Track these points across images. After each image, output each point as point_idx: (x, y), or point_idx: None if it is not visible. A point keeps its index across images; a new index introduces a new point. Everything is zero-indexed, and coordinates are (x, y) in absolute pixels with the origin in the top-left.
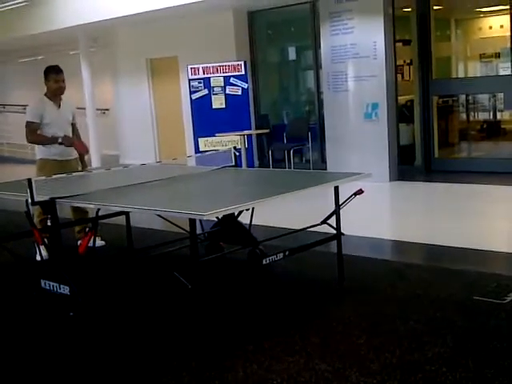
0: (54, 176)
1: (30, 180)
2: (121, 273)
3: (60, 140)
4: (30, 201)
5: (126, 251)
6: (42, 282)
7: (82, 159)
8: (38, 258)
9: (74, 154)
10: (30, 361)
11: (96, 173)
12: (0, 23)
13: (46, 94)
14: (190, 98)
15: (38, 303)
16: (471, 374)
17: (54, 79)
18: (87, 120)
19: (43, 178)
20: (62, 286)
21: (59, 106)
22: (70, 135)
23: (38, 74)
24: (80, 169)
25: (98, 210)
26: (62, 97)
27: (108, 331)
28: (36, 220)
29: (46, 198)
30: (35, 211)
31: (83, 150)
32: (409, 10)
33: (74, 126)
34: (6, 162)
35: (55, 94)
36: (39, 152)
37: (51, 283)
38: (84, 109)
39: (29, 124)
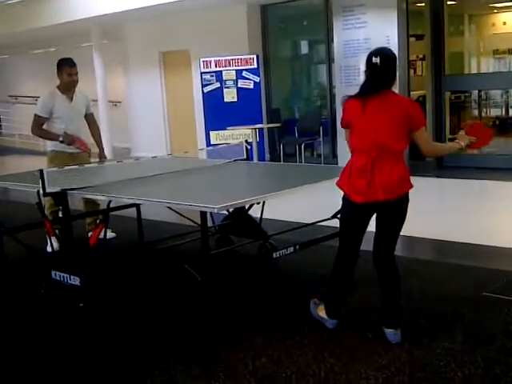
0: (66, 167)
1: (41, 171)
2: (131, 265)
3: (61, 138)
4: (41, 192)
5: (137, 243)
6: (53, 272)
7: (99, 145)
8: (49, 249)
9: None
10: (40, 351)
11: (107, 165)
12: (13, 15)
13: (58, 87)
14: (202, 91)
15: (48, 294)
16: (480, 371)
17: (68, 72)
18: (99, 112)
19: (55, 169)
20: (72, 276)
21: (71, 99)
22: (81, 129)
23: (50, 66)
24: (98, 158)
25: (110, 202)
26: (76, 89)
27: (118, 322)
28: (47, 212)
29: (57, 189)
30: (46, 203)
31: (83, 149)
32: (422, 4)
33: (89, 116)
34: (18, 154)
35: (68, 88)
36: (50, 144)
37: (62, 274)
38: (96, 101)
39: (36, 117)
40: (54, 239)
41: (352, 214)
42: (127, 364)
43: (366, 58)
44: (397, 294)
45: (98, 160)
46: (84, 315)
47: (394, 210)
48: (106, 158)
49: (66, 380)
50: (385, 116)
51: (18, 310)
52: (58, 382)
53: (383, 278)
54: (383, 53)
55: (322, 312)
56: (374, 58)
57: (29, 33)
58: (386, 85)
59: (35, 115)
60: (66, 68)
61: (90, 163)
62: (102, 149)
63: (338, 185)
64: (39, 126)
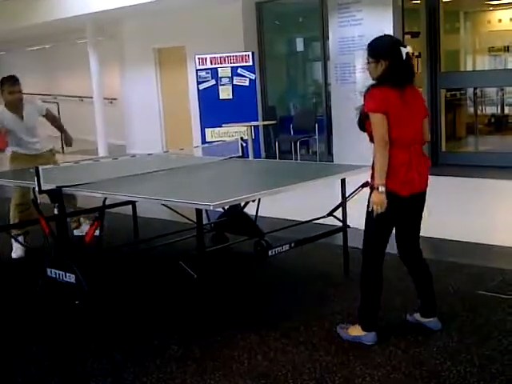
0: (62, 164)
1: (37, 168)
2: (127, 262)
3: None
4: (36, 189)
5: (132, 241)
6: (48, 270)
7: (66, 135)
8: (14, 255)
9: (46, 147)
10: (36, 349)
11: (103, 162)
12: (8, 12)
13: (6, 106)
14: (198, 89)
15: (44, 291)
16: (476, 369)
17: (9, 90)
18: (95, 109)
19: (50, 166)
20: (67, 274)
21: (22, 117)
22: (37, 133)
23: (45, 63)
24: (56, 159)
25: (105, 199)
26: (25, 101)
27: (113, 320)
28: (14, 214)
29: (52, 186)
30: (12, 205)
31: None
32: (418, 2)
33: (48, 115)
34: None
35: (14, 105)
36: (11, 145)
37: (57, 271)
38: (91, 98)
39: None
40: (18, 246)
41: (398, 209)
42: (123, 361)
43: (360, 55)
44: (431, 282)
45: (65, 145)
46: (80, 312)
47: (423, 200)
48: (71, 139)
49: (61, 377)
50: (417, 107)
51: (14, 308)
52: (54, 378)
53: (416, 270)
54: (406, 45)
55: (355, 331)
56: (403, 49)
57: (24, 30)
58: (413, 75)
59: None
60: (7, 87)
61: (56, 163)
62: (66, 133)
63: (390, 188)
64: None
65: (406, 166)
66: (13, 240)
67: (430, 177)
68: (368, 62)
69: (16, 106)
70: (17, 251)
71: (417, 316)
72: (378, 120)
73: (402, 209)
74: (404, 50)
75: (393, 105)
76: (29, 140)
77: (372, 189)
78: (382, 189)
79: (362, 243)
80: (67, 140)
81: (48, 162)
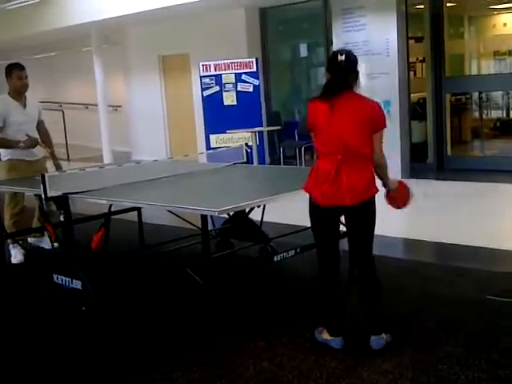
0: (68, 171)
1: (43, 176)
2: (133, 268)
3: (21, 144)
4: (43, 196)
5: (138, 247)
6: (55, 276)
7: (53, 154)
8: (14, 260)
9: (40, 153)
10: (42, 355)
11: (108, 169)
12: (14, 20)
13: (9, 93)
14: (202, 95)
15: (50, 298)
16: (484, 375)
17: (18, 75)
18: (100, 116)
19: (55, 173)
20: (74, 280)
21: (25, 105)
22: (37, 135)
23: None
24: (48, 167)
25: (111, 205)
26: (27, 95)
27: (119, 326)
28: (8, 223)
29: (59, 193)
30: (6, 213)
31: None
32: (422, 6)
33: (40, 124)
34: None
35: (19, 92)
36: (5, 152)
37: (64, 278)
38: (96, 105)
39: None
40: (18, 250)
41: (320, 218)
42: (129, 368)
43: (364, 60)
44: (376, 299)
45: (55, 170)
46: (86, 319)
47: (362, 214)
48: (61, 167)
49: (68, 382)
50: (350, 118)
51: (20, 314)
52: None
53: (360, 285)
54: (348, 52)
55: (325, 334)
56: (339, 57)
57: (29, 38)
58: (350, 85)
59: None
60: (16, 71)
61: (47, 170)
62: (55, 157)
63: (306, 190)
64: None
65: (325, 175)
66: (11, 246)
67: (434, 181)
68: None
69: (20, 94)
70: (17, 256)
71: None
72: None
73: (326, 220)
74: (339, 58)
75: (318, 117)
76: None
77: None
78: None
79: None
80: (56, 162)
81: (43, 170)
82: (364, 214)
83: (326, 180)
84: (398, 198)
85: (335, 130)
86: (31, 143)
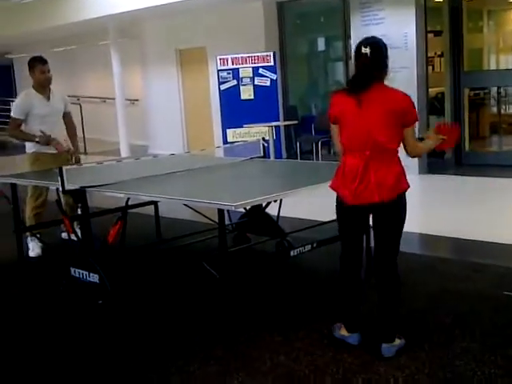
0: (84, 165)
1: (61, 169)
2: (149, 262)
3: (37, 139)
4: (60, 189)
5: (155, 241)
6: (72, 269)
7: (75, 147)
8: (31, 253)
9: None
10: (59, 348)
11: (125, 162)
12: (31, 14)
13: (33, 87)
14: (219, 89)
15: (68, 291)
16: (501, 371)
17: (41, 69)
18: (117, 110)
19: (73, 166)
20: (91, 274)
21: (48, 98)
22: (59, 128)
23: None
24: (72, 159)
25: (128, 199)
26: (52, 88)
27: (136, 319)
28: (30, 215)
29: (76, 186)
30: (28, 205)
31: (59, 149)
32: (441, 0)
33: (67, 115)
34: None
35: (43, 85)
36: (30, 145)
37: (81, 271)
38: (113, 99)
39: (12, 119)
40: (35, 243)
41: (347, 217)
42: (145, 361)
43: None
44: (393, 304)
45: (72, 161)
46: (102, 312)
47: (391, 212)
48: (79, 160)
49: (84, 377)
50: (378, 112)
51: (37, 308)
52: (77, 378)
53: (381, 287)
54: (374, 42)
55: (343, 331)
56: (363, 49)
57: (48, 31)
58: (377, 78)
59: (11, 117)
60: (39, 65)
61: (71, 163)
62: (76, 149)
63: (332, 187)
64: (15, 127)
65: (353, 172)
66: (29, 239)
67: (452, 177)
68: None
69: (44, 87)
70: (34, 250)
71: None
72: (332, 129)
73: (353, 218)
74: (364, 50)
75: (344, 111)
76: (50, 131)
77: None
78: None
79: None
80: (76, 153)
81: (67, 163)
82: (393, 211)
83: (354, 178)
84: (448, 139)
85: (363, 125)
86: (45, 140)
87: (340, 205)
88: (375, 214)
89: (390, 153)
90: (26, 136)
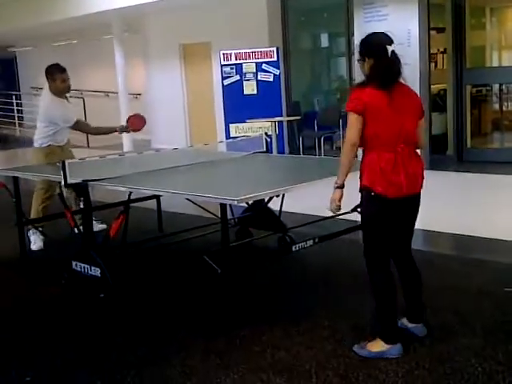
0: (87, 159)
1: (63, 163)
2: (151, 256)
3: (117, 129)
4: (63, 183)
5: (157, 235)
6: (74, 263)
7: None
8: (33, 247)
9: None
10: (61, 342)
11: (128, 156)
12: (35, 7)
13: (51, 92)
14: (222, 84)
15: (69, 284)
16: (501, 367)
17: (62, 78)
18: (120, 104)
19: (77, 160)
20: (93, 267)
21: (67, 100)
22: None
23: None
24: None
25: (130, 193)
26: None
27: (137, 313)
28: (38, 208)
29: (78, 180)
30: (36, 197)
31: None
32: None
33: (80, 122)
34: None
35: (63, 93)
36: (45, 139)
37: (82, 265)
38: (116, 93)
39: (74, 123)
40: (37, 236)
41: (390, 212)
42: (146, 354)
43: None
44: (420, 287)
45: (125, 131)
46: (104, 306)
47: (418, 202)
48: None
49: (86, 370)
50: (408, 106)
51: (39, 301)
52: (79, 371)
53: (406, 274)
54: (392, 40)
55: (376, 347)
56: (388, 46)
57: (51, 25)
58: (400, 74)
59: (70, 124)
60: (58, 74)
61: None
62: (105, 129)
63: (367, 185)
64: (86, 129)
65: (391, 166)
66: (30, 232)
67: (454, 173)
68: (357, 60)
69: (64, 94)
70: (36, 243)
71: (404, 321)
72: (352, 120)
73: (390, 211)
74: (390, 48)
75: (374, 105)
76: (67, 132)
77: (361, 191)
78: (336, 186)
79: (364, 247)
80: (120, 129)
81: (70, 156)
82: (418, 203)
83: (397, 171)
84: None
85: (397, 119)
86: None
87: (380, 200)
88: (408, 206)
89: (415, 145)
90: (106, 129)
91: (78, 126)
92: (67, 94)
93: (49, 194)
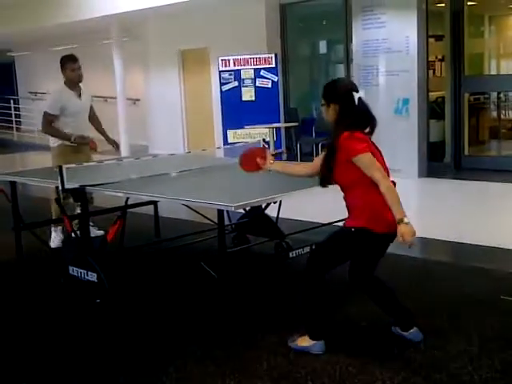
0: (85, 164)
1: (60, 167)
2: (148, 262)
3: (73, 139)
4: (60, 188)
5: (154, 240)
6: (70, 268)
7: (107, 136)
8: (52, 244)
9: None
10: (56, 346)
11: (126, 162)
12: (33, 11)
13: (65, 84)
14: (220, 90)
15: (65, 289)
16: (498, 375)
17: (71, 68)
18: (118, 110)
19: (73, 165)
20: (89, 272)
21: (79, 95)
22: (87, 124)
23: None
24: (114, 147)
25: (127, 198)
26: (81, 85)
27: (134, 319)
28: (55, 207)
29: (76, 185)
30: (53, 200)
31: (94, 147)
32: (442, 5)
33: (92, 110)
34: (37, 149)
35: (74, 83)
36: (56, 139)
37: (79, 270)
38: (115, 98)
39: (46, 115)
40: (58, 234)
41: (375, 246)
42: (143, 360)
43: (384, 58)
44: (394, 295)
45: (111, 147)
46: (100, 311)
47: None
48: (117, 144)
49: (83, 373)
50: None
51: (35, 306)
52: (76, 375)
53: (377, 292)
54: (358, 89)
55: (303, 342)
56: (355, 94)
57: (49, 30)
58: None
59: (45, 112)
60: (69, 64)
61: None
62: (108, 137)
63: (366, 226)
64: (50, 123)
65: (385, 204)
66: (52, 229)
67: (451, 181)
68: (321, 104)
69: (74, 85)
70: (55, 241)
71: (398, 330)
72: (370, 159)
73: (381, 246)
74: (356, 95)
75: (370, 145)
76: (80, 127)
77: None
78: (406, 220)
79: (316, 251)
80: (111, 140)
81: (88, 159)
82: None
83: (386, 208)
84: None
85: (383, 159)
86: (81, 141)
87: (369, 237)
88: (386, 243)
89: None
90: (61, 134)
91: (92, 122)
92: (81, 89)
93: (55, 198)
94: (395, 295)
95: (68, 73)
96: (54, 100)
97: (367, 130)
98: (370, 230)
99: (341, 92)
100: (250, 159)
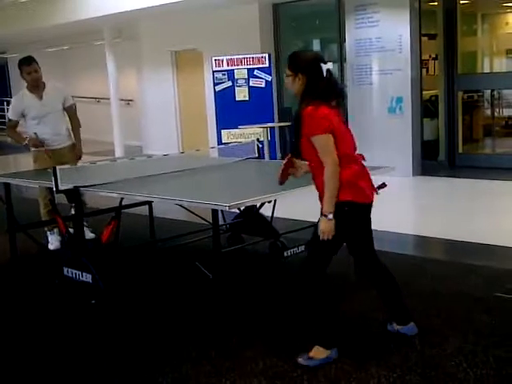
0: (79, 164)
1: (54, 169)
2: (143, 262)
3: (25, 142)
4: (54, 189)
5: (149, 241)
6: (65, 269)
7: (76, 143)
8: (51, 246)
9: (66, 142)
10: (52, 348)
11: (119, 162)
12: (26, 13)
13: (27, 87)
14: (214, 90)
15: (60, 291)
16: (492, 372)
17: (26, 71)
18: (112, 110)
19: (67, 166)
20: (84, 273)
21: (41, 97)
22: (59, 125)
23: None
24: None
25: (122, 199)
26: (49, 85)
27: (129, 319)
28: (43, 211)
29: (70, 186)
30: (40, 203)
31: (47, 153)
32: (435, 3)
33: (68, 109)
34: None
35: (33, 86)
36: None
37: (74, 271)
38: (108, 99)
39: (8, 120)
40: (55, 237)
41: (363, 217)
42: (138, 361)
43: (377, 57)
44: (398, 288)
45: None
46: (96, 312)
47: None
48: (80, 155)
49: (78, 374)
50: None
51: (30, 307)
52: (72, 374)
53: (382, 281)
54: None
55: (317, 354)
56: (323, 65)
57: (43, 31)
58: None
59: (7, 118)
60: (24, 67)
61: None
62: (79, 145)
63: (343, 199)
64: (10, 128)
65: (361, 175)
66: (48, 233)
67: (445, 179)
68: (286, 75)
69: (35, 87)
70: (53, 243)
71: (394, 325)
72: (327, 141)
73: (365, 217)
74: (324, 67)
75: (335, 121)
76: (48, 130)
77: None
78: (330, 216)
79: (311, 250)
80: (78, 150)
81: (70, 161)
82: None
83: (364, 178)
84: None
85: (349, 132)
86: (31, 144)
87: (361, 208)
88: (369, 212)
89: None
90: (17, 137)
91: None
92: (44, 90)
93: (49, 198)
94: (399, 287)
95: (24, 76)
96: (13, 105)
97: (334, 104)
98: (356, 202)
99: (308, 62)
100: (284, 173)
